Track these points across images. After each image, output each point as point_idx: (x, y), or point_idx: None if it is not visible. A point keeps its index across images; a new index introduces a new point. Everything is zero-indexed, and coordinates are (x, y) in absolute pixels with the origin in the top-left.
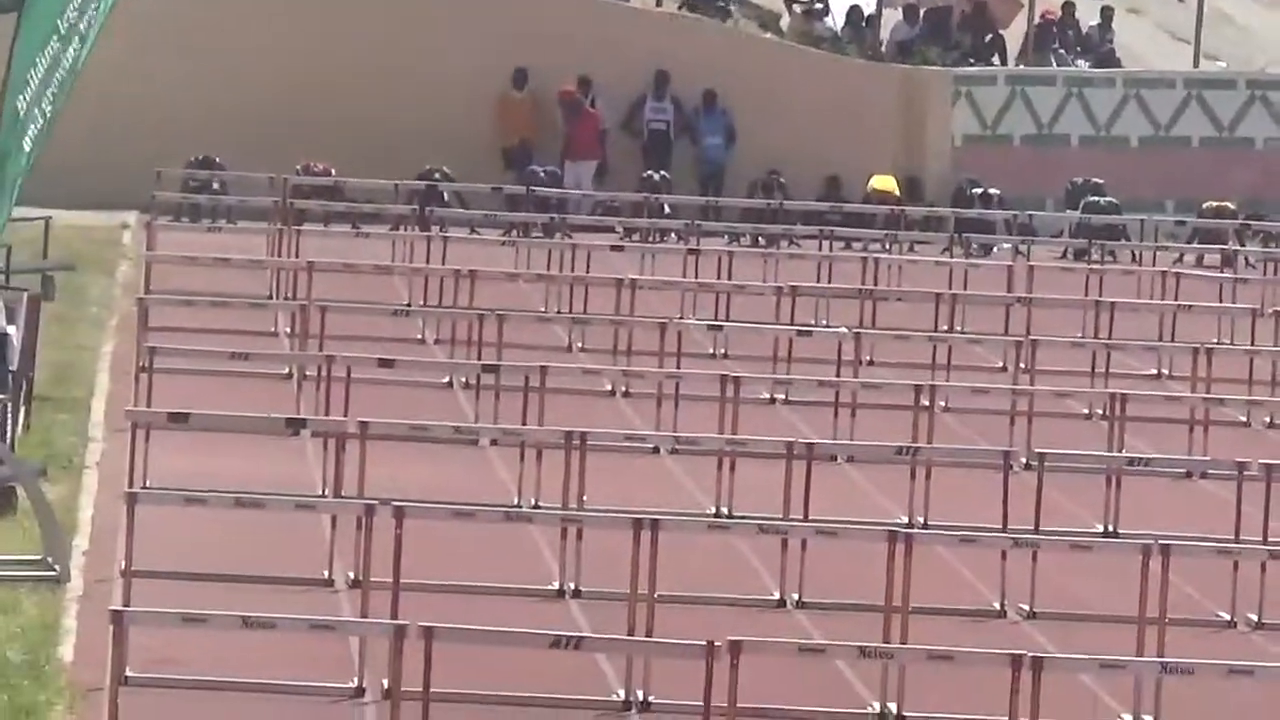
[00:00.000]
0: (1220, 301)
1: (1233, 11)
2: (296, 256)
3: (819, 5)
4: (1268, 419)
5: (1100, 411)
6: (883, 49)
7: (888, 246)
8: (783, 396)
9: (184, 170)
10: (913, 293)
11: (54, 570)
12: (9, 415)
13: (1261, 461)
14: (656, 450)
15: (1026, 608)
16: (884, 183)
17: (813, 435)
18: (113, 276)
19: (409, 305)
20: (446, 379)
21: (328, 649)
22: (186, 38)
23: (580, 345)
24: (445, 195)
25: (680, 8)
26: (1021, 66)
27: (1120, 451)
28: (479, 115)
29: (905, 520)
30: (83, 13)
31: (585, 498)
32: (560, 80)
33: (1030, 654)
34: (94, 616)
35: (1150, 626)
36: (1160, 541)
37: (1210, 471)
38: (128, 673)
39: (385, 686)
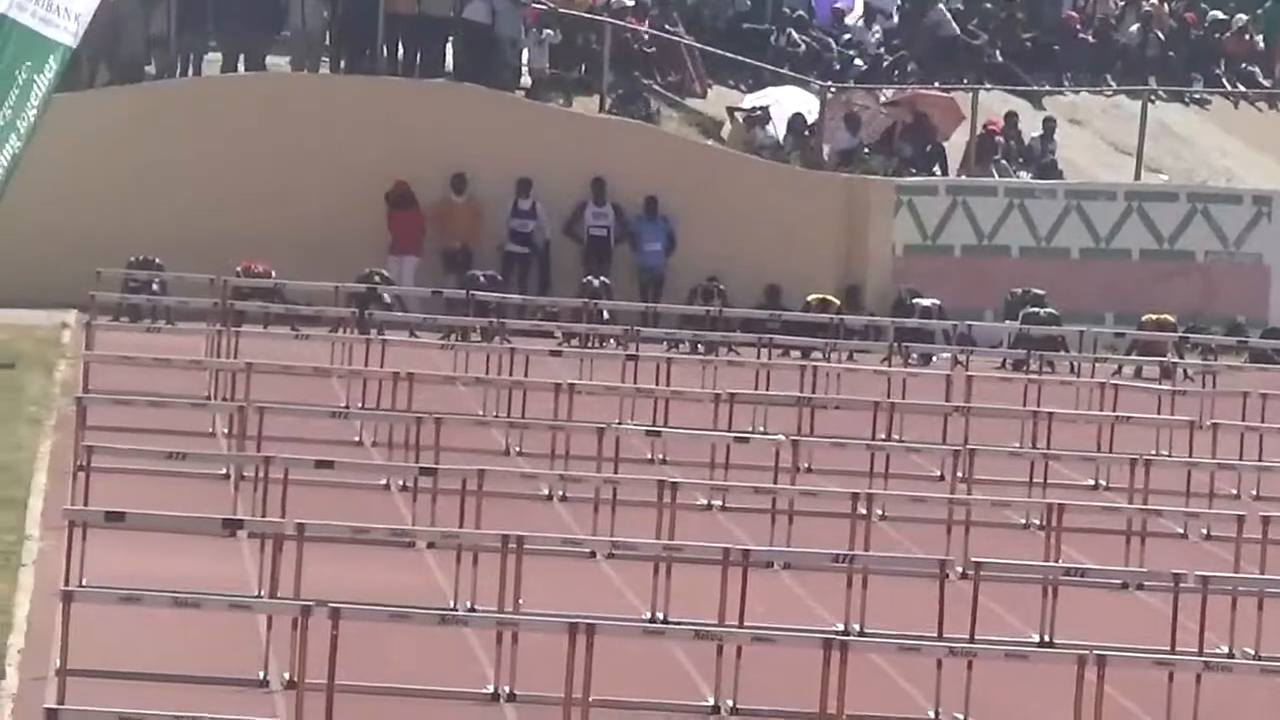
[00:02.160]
0: (1159, 413)
1: (1175, 124)
2: (235, 357)
3: (760, 113)
4: (1205, 531)
5: (1037, 521)
6: (825, 157)
7: (827, 355)
8: (720, 503)
9: (124, 270)
10: (851, 401)
11: None
12: None
13: (1198, 573)
14: (593, 555)
15: (961, 717)
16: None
17: (750, 542)
18: (51, 376)
19: (347, 407)
20: (384, 481)
21: None
22: (127, 138)
23: (518, 449)
24: (385, 298)
25: (605, 111)
26: (963, 177)
27: (1057, 561)
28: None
29: (841, 628)
30: (18, 110)
31: (521, 601)
32: (501, 186)
33: None
34: (29, 715)
35: None
36: (1096, 652)
37: (1147, 583)
38: None
39: None
